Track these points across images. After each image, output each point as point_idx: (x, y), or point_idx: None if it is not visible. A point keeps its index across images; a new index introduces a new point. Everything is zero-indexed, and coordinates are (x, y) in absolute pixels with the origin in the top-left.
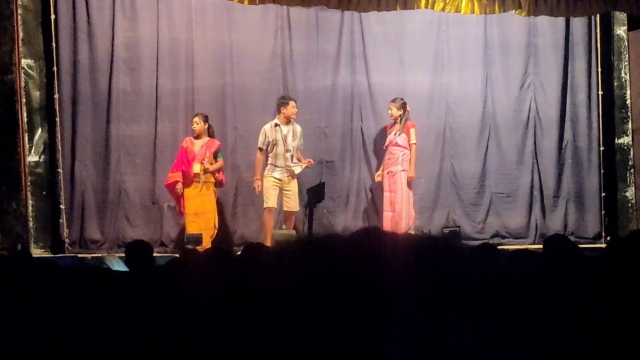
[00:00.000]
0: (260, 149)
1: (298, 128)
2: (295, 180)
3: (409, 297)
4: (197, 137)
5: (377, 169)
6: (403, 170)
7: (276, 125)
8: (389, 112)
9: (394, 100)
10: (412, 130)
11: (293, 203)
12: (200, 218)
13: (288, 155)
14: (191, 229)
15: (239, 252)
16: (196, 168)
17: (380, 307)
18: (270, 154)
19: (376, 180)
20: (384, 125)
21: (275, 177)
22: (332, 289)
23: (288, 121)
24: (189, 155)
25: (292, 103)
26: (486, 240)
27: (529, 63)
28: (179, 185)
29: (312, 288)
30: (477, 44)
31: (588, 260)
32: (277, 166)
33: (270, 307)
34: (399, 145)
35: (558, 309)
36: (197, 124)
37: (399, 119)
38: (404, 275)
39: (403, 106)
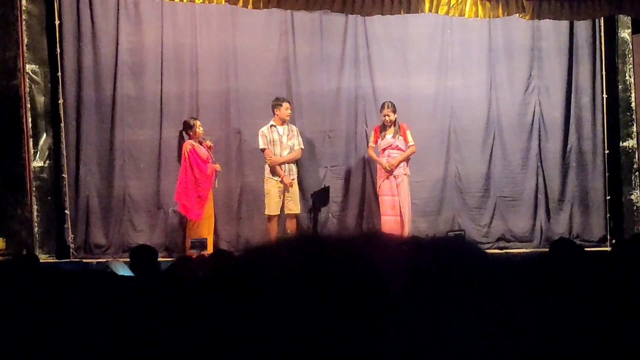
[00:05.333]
0: (264, 149)
1: (294, 127)
2: (295, 182)
3: (411, 299)
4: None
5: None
6: (405, 174)
7: (272, 126)
8: (387, 118)
9: (387, 106)
10: (408, 132)
11: (294, 205)
12: (211, 221)
13: (285, 154)
14: (205, 233)
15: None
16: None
17: (381, 308)
18: None
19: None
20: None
21: (277, 180)
22: (331, 289)
23: (283, 122)
24: (203, 158)
25: (285, 104)
26: (491, 244)
27: (533, 66)
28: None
29: (312, 287)
30: (481, 48)
31: (593, 263)
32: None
33: (271, 307)
34: (400, 149)
35: (563, 312)
36: (201, 127)
37: (395, 122)
38: (405, 278)
39: (395, 109)
